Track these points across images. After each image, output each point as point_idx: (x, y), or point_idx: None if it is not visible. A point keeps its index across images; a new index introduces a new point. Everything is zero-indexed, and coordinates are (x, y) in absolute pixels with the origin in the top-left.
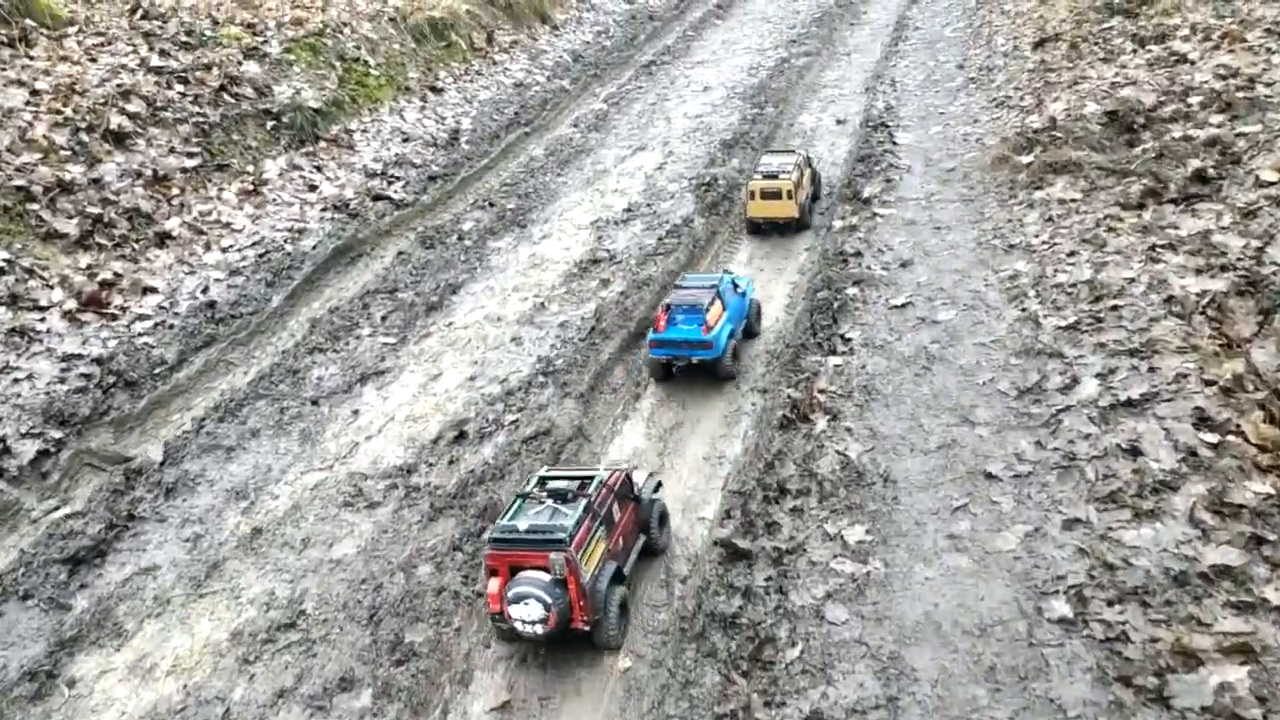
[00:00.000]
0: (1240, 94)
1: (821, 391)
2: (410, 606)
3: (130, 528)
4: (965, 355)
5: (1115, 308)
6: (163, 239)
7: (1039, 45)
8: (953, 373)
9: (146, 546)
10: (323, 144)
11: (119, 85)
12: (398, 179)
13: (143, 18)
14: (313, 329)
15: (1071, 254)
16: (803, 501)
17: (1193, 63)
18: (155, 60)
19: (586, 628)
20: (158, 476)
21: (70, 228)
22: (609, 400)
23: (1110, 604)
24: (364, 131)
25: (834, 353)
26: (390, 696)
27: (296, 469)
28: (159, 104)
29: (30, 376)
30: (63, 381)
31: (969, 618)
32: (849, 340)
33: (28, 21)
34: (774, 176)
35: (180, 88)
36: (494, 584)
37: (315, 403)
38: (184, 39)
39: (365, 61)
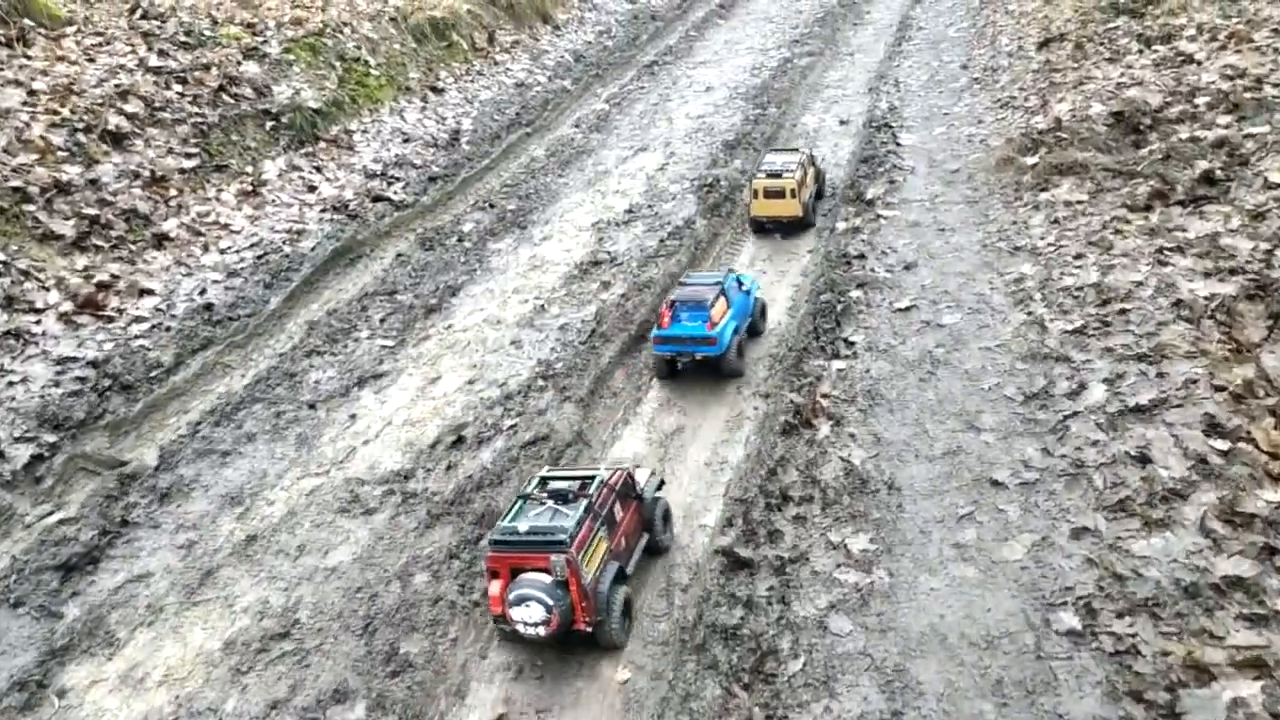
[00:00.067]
0: (1248, 94)
1: (825, 396)
2: (406, 616)
3: (124, 534)
4: (970, 360)
5: (1123, 311)
6: (160, 240)
7: (1044, 45)
8: (958, 377)
9: (140, 553)
10: (322, 144)
11: (117, 85)
12: (397, 180)
13: (142, 17)
14: (310, 331)
15: (1078, 257)
16: (805, 509)
17: (1199, 63)
18: (154, 60)
19: (589, 629)
20: (152, 482)
21: (67, 229)
22: (609, 405)
23: (1120, 616)
24: (364, 132)
25: (837, 356)
26: (385, 709)
27: (292, 474)
28: (157, 104)
29: (25, 380)
30: (58, 385)
31: (975, 629)
32: (852, 344)
33: (26, 21)
34: (778, 175)
35: (179, 88)
36: (495, 586)
37: (312, 406)
38: (183, 39)
39: (365, 61)
